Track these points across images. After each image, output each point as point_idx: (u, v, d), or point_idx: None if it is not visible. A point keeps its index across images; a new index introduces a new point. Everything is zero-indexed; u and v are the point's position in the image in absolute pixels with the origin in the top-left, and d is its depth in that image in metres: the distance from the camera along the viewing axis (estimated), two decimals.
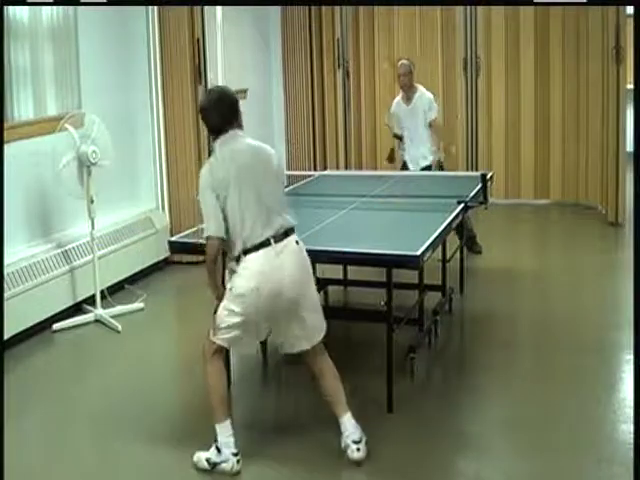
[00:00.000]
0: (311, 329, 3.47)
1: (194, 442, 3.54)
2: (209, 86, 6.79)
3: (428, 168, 6.59)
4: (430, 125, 6.64)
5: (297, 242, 3.40)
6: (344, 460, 3.44)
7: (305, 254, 3.42)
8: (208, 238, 3.31)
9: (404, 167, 6.79)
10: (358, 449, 3.39)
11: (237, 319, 3.33)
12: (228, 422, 3.39)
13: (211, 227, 3.32)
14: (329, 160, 9.40)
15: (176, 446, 3.64)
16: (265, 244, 3.28)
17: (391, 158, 7.12)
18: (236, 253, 3.31)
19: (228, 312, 3.34)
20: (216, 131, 3.45)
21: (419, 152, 6.67)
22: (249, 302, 3.28)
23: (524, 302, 5.76)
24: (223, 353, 3.48)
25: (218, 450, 3.35)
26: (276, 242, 3.30)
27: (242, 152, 3.40)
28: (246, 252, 3.29)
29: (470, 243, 6.62)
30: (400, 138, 6.84)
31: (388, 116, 6.98)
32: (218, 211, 3.31)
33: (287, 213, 3.41)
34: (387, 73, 9.24)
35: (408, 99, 6.72)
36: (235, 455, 3.36)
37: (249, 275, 3.28)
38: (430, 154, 6.65)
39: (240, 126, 3.49)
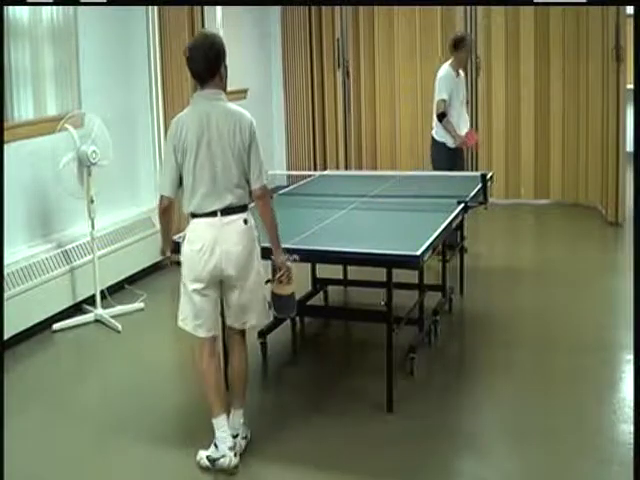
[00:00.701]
0: (242, 311, 3.43)
1: (194, 441, 3.54)
2: None
3: None
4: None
5: (245, 221, 3.32)
6: (344, 460, 3.45)
7: (252, 236, 3.36)
8: (161, 195, 3.37)
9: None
10: (244, 437, 3.44)
11: (195, 298, 3.35)
12: (223, 417, 3.40)
13: (163, 186, 3.37)
14: (329, 160, 9.41)
15: (176, 445, 3.64)
16: (212, 214, 3.30)
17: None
18: (186, 212, 3.37)
19: (185, 299, 3.40)
20: (199, 79, 3.41)
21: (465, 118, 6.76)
22: (196, 266, 3.30)
23: (524, 302, 5.76)
24: (210, 345, 3.45)
25: (215, 446, 3.37)
26: (222, 215, 3.29)
27: (211, 118, 3.31)
28: (194, 216, 3.33)
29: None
30: (445, 115, 6.47)
31: (445, 86, 6.49)
32: (174, 172, 3.33)
33: (244, 189, 3.32)
34: (386, 72, 9.25)
35: (458, 74, 6.66)
36: (231, 449, 3.36)
37: (194, 238, 3.32)
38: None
39: (223, 85, 3.45)
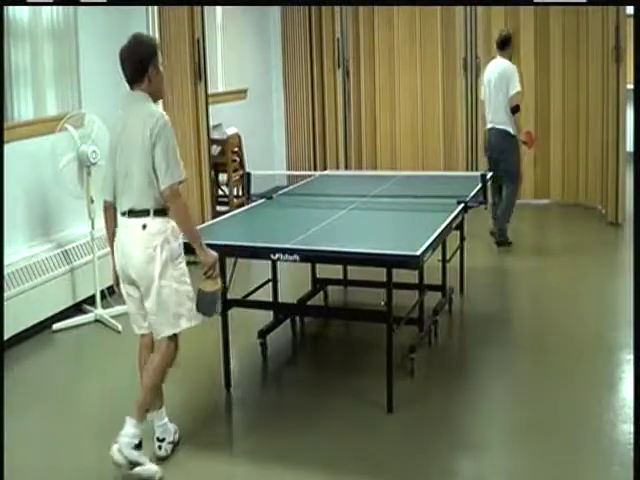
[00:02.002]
0: (151, 318, 3.37)
1: (194, 441, 3.54)
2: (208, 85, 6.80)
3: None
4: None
5: (144, 227, 3.26)
6: (344, 460, 3.45)
7: (151, 243, 3.24)
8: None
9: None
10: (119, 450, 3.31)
11: (124, 296, 3.42)
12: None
13: (102, 189, 3.46)
14: (329, 160, 9.41)
15: (176, 445, 3.64)
16: (122, 215, 3.33)
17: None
18: None
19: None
20: (127, 81, 3.36)
21: None
22: (117, 263, 3.38)
23: (524, 302, 5.76)
24: (143, 342, 3.51)
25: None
26: (127, 217, 3.30)
27: (127, 121, 3.31)
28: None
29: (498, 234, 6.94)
30: (519, 108, 6.81)
31: (518, 80, 6.81)
32: (109, 173, 3.39)
33: (147, 193, 3.24)
34: (385, 70, 9.26)
35: None
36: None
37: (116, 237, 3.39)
38: None
39: (153, 87, 3.33)
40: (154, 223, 3.26)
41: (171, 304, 3.31)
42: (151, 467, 3.33)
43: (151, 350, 3.48)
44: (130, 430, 3.30)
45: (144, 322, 3.43)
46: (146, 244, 3.25)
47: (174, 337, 3.41)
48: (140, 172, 3.24)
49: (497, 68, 6.88)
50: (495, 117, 6.86)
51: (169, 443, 3.50)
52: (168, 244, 3.28)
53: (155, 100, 3.41)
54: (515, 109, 6.74)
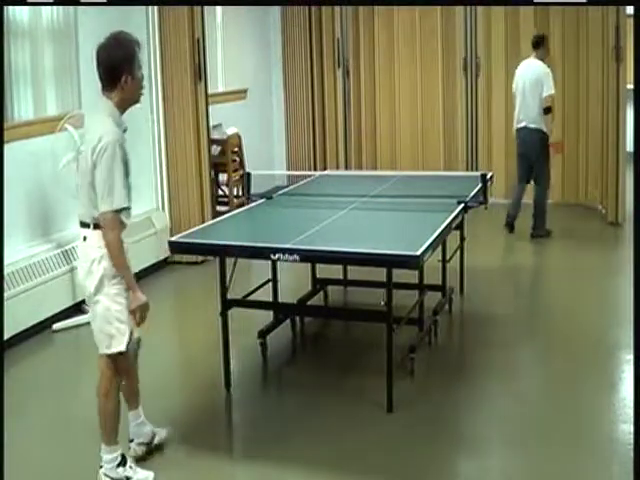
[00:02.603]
0: (95, 335, 3.30)
1: (193, 441, 3.54)
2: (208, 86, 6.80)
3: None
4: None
5: (85, 238, 3.19)
6: (344, 460, 3.45)
7: (89, 257, 3.15)
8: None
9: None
10: (105, 474, 3.30)
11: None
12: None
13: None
14: (329, 160, 9.41)
15: (175, 444, 3.64)
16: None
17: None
18: None
19: None
20: (100, 82, 3.18)
21: None
22: None
23: (524, 302, 5.76)
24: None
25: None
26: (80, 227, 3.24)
27: (87, 131, 3.23)
28: None
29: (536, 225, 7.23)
30: (551, 109, 7.04)
31: (551, 81, 7.03)
32: None
33: (88, 206, 3.13)
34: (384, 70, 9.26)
35: None
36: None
37: None
38: None
39: (125, 95, 3.15)
40: (93, 236, 3.15)
41: (102, 321, 3.21)
42: (140, 475, 3.32)
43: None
44: (107, 456, 3.29)
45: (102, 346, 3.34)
46: (85, 257, 3.18)
47: (112, 358, 3.28)
48: (84, 186, 3.13)
49: (531, 69, 7.10)
50: (528, 117, 7.08)
51: (139, 444, 3.48)
52: (106, 260, 3.13)
53: (128, 106, 3.24)
54: (547, 110, 6.95)
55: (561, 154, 7.56)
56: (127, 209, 3.15)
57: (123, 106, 3.21)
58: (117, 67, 3.10)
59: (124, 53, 3.12)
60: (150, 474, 3.34)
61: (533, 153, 7.15)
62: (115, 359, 3.27)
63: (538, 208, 7.26)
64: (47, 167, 5.18)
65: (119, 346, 3.22)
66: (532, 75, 7.04)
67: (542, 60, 7.12)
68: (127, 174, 3.15)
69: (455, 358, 4.77)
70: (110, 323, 3.20)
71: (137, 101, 3.27)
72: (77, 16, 5.68)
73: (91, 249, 3.16)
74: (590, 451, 3.52)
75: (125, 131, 3.24)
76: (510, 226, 7.44)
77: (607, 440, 3.62)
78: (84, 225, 3.19)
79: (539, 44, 7.14)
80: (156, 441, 3.56)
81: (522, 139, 7.22)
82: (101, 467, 3.30)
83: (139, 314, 3.17)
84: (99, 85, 3.23)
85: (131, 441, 3.50)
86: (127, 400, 3.49)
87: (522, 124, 7.15)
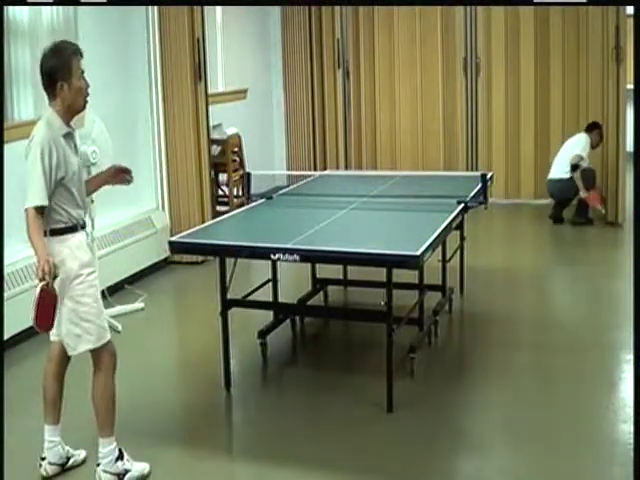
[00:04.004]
0: (62, 338, 3.27)
1: (193, 441, 3.54)
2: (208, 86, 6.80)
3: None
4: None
5: (45, 233, 3.22)
6: (344, 460, 3.45)
7: (50, 249, 3.16)
8: None
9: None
10: (104, 470, 3.28)
11: None
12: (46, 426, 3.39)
13: None
14: (329, 160, 9.41)
15: (176, 445, 3.64)
16: None
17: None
18: None
19: None
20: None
21: None
22: None
23: (524, 302, 5.76)
24: (51, 352, 3.40)
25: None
26: None
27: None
28: None
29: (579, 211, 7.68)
30: (578, 167, 7.61)
31: (585, 148, 7.69)
32: None
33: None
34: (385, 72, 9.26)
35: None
36: (42, 459, 3.38)
37: None
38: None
39: (65, 106, 3.20)
40: (50, 243, 3.17)
41: (69, 324, 3.19)
42: (137, 467, 3.33)
43: (58, 361, 3.38)
44: (106, 449, 3.28)
45: (56, 329, 3.27)
46: (49, 248, 3.16)
47: (102, 352, 3.29)
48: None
49: (582, 137, 7.75)
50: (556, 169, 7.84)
51: (50, 464, 3.37)
52: (63, 265, 3.14)
53: (72, 113, 3.27)
54: (574, 167, 7.54)
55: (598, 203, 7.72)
56: (38, 208, 3.17)
57: (66, 114, 3.24)
58: (52, 75, 3.15)
59: (58, 61, 3.15)
60: (146, 465, 3.35)
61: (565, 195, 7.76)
62: (103, 352, 3.30)
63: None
64: None
65: (86, 345, 3.24)
66: (573, 139, 7.77)
67: (592, 143, 7.68)
68: (64, 176, 3.22)
69: (455, 358, 4.77)
70: (76, 324, 3.20)
71: (80, 109, 3.31)
72: (77, 16, 5.68)
73: (51, 243, 3.18)
74: (590, 451, 3.52)
75: (69, 135, 3.28)
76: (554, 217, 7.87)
77: (607, 440, 3.62)
78: (44, 232, 3.20)
79: (588, 129, 7.74)
80: (71, 463, 3.45)
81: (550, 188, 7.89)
82: (98, 465, 3.30)
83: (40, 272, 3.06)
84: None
85: (43, 459, 3.38)
86: (47, 409, 3.38)
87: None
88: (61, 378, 3.43)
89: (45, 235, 3.19)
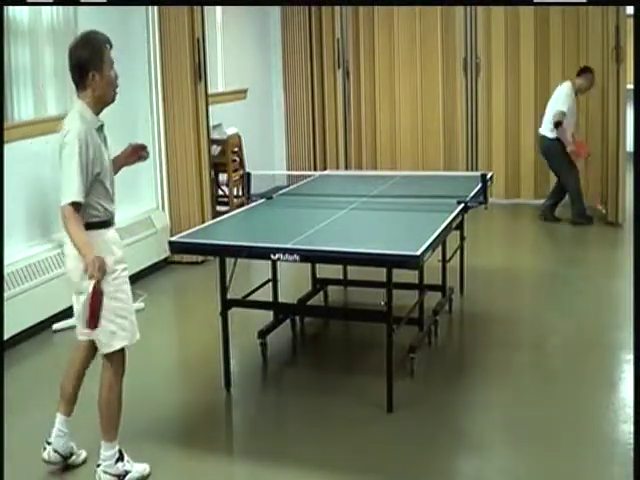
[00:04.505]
0: (94, 335, 3.23)
1: (193, 441, 3.54)
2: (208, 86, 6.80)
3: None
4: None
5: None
6: (344, 460, 3.45)
7: (67, 253, 3.21)
8: None
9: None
10: (105, 472, 3.29)
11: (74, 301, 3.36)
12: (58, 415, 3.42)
13: None
14: (329, 160, 9.41)
15: (177, 445, 3.64)
16: None
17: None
18: None
19: None
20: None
21: None
22: None
23: (524, 302, 5.76)
24: (79, 346, 3.42)
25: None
26: None
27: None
28: None
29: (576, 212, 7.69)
30: (560, 124, 7.51)
31: (566, 101, 7.58)
32: None
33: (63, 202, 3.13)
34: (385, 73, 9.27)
35: (576, 95, 7.71)
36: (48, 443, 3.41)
37: None
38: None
39: (95, 96, 3.16)
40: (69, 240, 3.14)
41: (102, 320, 3.11)
42: (137, 468, 3.34)
43: (83, 357, 3.40)
44: (108, 453, 3.29)
45: (84, 329, 3.24)
46: (78, 259, 3.11)
47: (116, 355, 3.27)
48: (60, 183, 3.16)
49: (561, 87, 7.70)
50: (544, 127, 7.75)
51: (54, 451, 3.39)
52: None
53: (101, 105, 3.23)
54: (557, 124, 7.47)
55: (585, 153, 7.82)
56: (76, 204, 3.09)
57: (96, 105, 3.20)
58: (84, 65, 3.10)
59: (90, 51, 3.11)
60: (146, 466, 3.36)
61: (552, 161, 7.79)
62: (118, 354, 3.28)
63: (571, 195, 7.72)
64: (47, 167, 5.17)
65: (122, 342, 3.23)
66: (557, 91, 7.66)
67: (580, 89, 7.64)
68: (99, 171, 3.17)
69: (455, 358, 4.77)
70: (111, 321, 3.18)
71: (110, 100, 3.25)
72: (77, 16, 5.68)
73: (69, 247, 3.16)
74: (590, 451, 3.52)
75: (101, 128, 3.25)
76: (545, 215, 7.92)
77: (607, 440, 3.62)
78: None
79: (579, 73, 7.66)
80: (72, 460, 3.47)
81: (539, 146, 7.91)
82: (98, 465, 3.30)
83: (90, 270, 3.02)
84: None
85: (49, 444, 3.40)
86: (62, 402, 3.41)
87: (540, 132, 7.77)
88: (82, 376, 3.46)
89: None
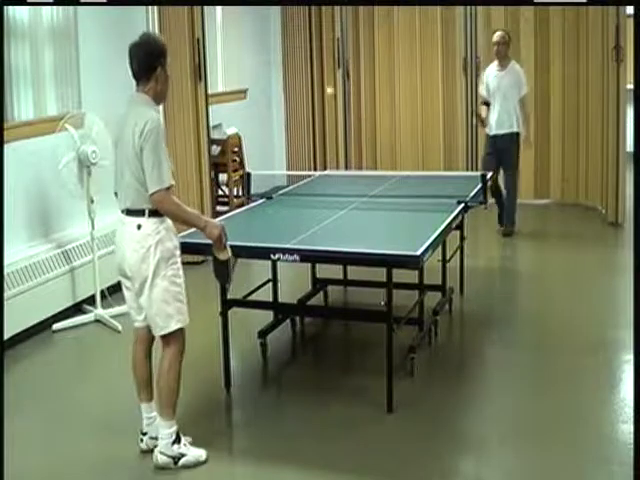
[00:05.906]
0: (148, 315, 3.38)
1: (194, 441, 3.54)
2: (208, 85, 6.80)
3: (511, 136, 7.18)
4: (521, 100, 7.22)
5: (139, 227, 3.27)
6: (344, 460, 3.45)
7: (146, 243, 3.25)
8: None
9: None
10: (161, 452, 3.42)
11: (124, 288, 3.48)
12: (144, 405, 3.55)
13: (114, 183, 3.48)
14: (329, 160, 9.40)
15: None
16: (121, 211, 3.37)
17: (483, 122, 7.46)
18: None
19: None
20: (134, 78, 3.40)
21: (506, 118, 7.19)
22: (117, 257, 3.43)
23: (524, 302, 5.76)
24: (136, 333, 3.55)
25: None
26: (124, 215, 3.34)
27: (125, 121, 3.33)
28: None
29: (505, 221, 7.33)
30: (488, 104, 7.31)
31: (482, 83, 7.49)
32: (114, 171, 3.44)
33: (140, 193, 3.24)
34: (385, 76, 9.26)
35: (502, 67, 7.27)
36: (143, 434, 3.53)
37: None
38: (517, 126, 7.21)
39: (157, 88, 3.38)
40: (148, 224, 3.27)
41: (161, 303, 3.31)
42: (194, 452, 3.41)
43: (145, 344, 3.53)
44: (166, 431, 3.38)
45: (138, 316, 3.46)
46: (141, 244, 3.27)
47: (175, 335, 3.39)
48: (132, 173, 3.26)
49: (518, 68, 7.39)
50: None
51: (151, 438, 3.51)
52: (162, 244, 3.28)
53: (158, 103, 3.45)
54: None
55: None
56: (171, 187, 3.26)
57: (155, 99, 3.41)
58: (154, 59, 3.35)
59: (159, 48, 3.39)
60: (203, 452, 3.44)
61: (513, 159, 7.31)
62: (178, 333, 3.38)
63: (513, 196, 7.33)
64: (47, 167, 5.18)
65: (178, 324, 3.35)
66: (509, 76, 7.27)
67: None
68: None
69: (455, 358, 4.77)
70: (169, 304, 3.31)
71: (164, 98, 3.51)
72: (77, 16, 5.68)
73: (147, 236, 3.26)
74: (590, 451, 3.52)
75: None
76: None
77: (607, 440, 3.62)
78: (137, 213, 3.27)
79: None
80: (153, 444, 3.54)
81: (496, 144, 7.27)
82: (155, 447, 3.39)
83: (221, 242, 3.34)
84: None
85: (144, 434, 3.53)
86: (140, 389, 3.55)
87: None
88: (149, 358, 3.57)
89: (143, 215, 3.27)
